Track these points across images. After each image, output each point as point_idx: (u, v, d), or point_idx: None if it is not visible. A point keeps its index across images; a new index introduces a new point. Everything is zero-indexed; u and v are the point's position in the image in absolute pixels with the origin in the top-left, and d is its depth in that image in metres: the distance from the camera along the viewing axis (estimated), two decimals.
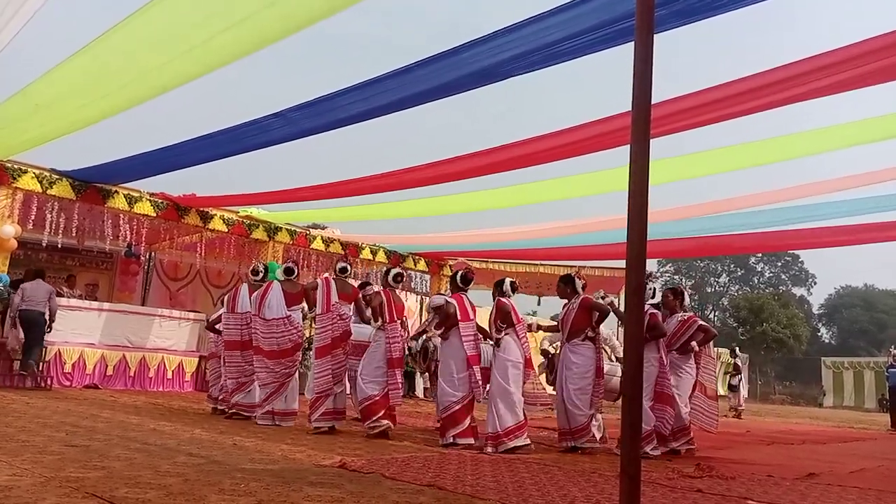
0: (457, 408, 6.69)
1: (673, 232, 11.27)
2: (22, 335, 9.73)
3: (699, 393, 7.18)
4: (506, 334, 6.73)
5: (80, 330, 11.19)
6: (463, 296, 7.06)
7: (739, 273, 62.24)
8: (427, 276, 16.71)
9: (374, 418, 6.90)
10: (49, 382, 10.04)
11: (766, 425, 14.22)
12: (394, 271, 7.59)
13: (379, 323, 7.17)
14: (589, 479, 5.02)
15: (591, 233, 11.69)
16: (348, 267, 8.05)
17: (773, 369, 43.08)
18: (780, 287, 58.57)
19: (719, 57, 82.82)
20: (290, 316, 7.90)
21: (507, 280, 7.11)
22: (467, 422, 6.66)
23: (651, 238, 2.89)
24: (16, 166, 9.81)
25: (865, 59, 5.59)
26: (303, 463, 4.88)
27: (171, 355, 11.97)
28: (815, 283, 60.45)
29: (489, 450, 6.33)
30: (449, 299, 7.05)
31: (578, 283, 6.97)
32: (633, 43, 2.81)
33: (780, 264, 60.69)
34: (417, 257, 15.80)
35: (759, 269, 62.02)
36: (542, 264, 15.81)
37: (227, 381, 8.31)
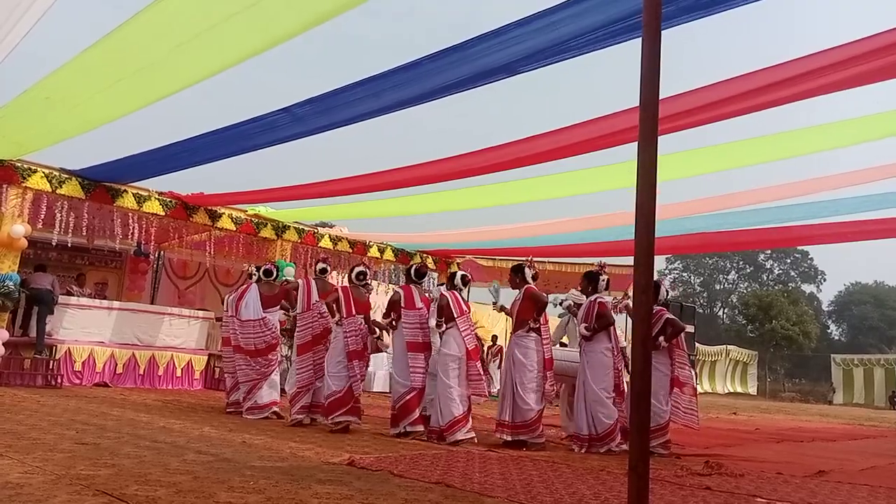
0: (408, 397, 6.85)
1: (681, 228, 11.22)
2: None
3: (676, 390, 6.90)
4: (448, 328, 6.84)
5: (90, 328, 11.26)
6: (413, 287, 7.21)
7: (748, 270, 62.03)
8: (435, 274, 16.71)
9: (337, 414, 7.06)
10: (59, 380, 10.11)
11: (776, 423, 14.16)
12: (357, 269, 7.76)
13: (336, 318, 7.34)
14: (597, 476, 5.01)
15: (600, 229, 11.66)
16: (328, 267, 8.39)
17: (783, 366, 42.95)
18: (790, 284, 58.31)
19: (724, 52, 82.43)
20: (265, 318, 8.24)
21: (459, 274, 7.27)
22: (418, 411, 6.84)
23: (659, 235, 2.88)
24: (25, 166, 9.85)
25: (872, 56, 5.55)
26: (311, 461, 4.90)
27: (181, 353, 12.02)
28: (825, 280, 60.23)
29: (435, 442, 6.55)
30: (397, 289, 7.30)
31: (528, 273, 6.98)
32: (640, 39, 2.80)
33: (789, 261, 60.44)
34: (425, 255, 15.80)
35: (769, 266, 61.77)
36: (549, 261, 15.78)
37: (226, 377, 8.64)
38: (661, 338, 6.74)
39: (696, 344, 20.10)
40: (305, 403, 7.52)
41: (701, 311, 52.76)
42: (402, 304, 7.06)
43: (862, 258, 65.63)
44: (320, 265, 8.39)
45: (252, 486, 3.72)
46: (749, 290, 58.57)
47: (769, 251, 58.21)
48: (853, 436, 11.51)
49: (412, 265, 7.68)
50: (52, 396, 8.50)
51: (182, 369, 11.95)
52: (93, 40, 6.03)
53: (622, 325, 9.18)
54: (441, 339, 6.95)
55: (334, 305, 7.36)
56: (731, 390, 33.57)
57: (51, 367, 10.19)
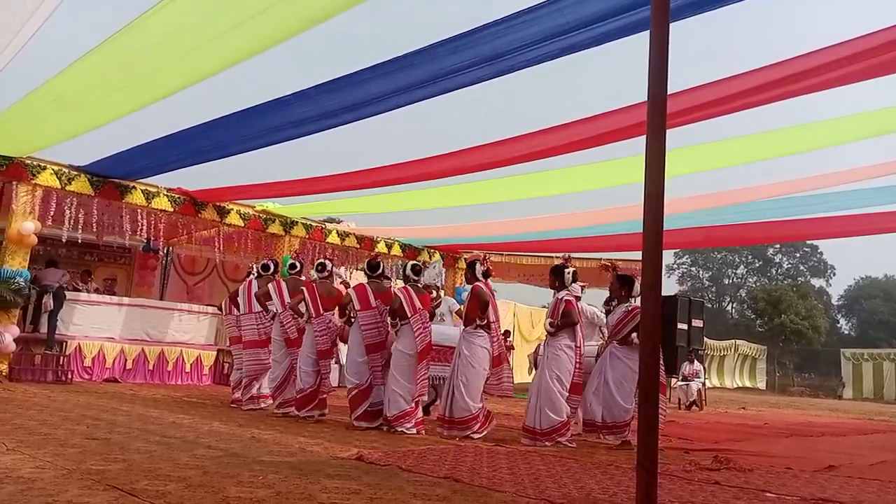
0: (354, 393, 7.00)
1: (689, 222, 11.17)
2: (50, 304, 10.50)
3: None
4: (403, 325, 6.91)
5: (99, 324, 11.32)
6: (366, 285, 7.27)
7: (757, 264, 61.72)
8: (442, 270, 16.71)
9: (307, 409, 7.40)
10: (70, 376, 10.17)
11: (785, 417, 14.12)
12: (318, 262, 8.06)
13: (304, 318, 7.58)
14: (606, 471, 5.01)
15: (610, 223, 11.62)
16: (297, 264, 8.68)
17: (792, 361, 42.73)
18: (799, 278, 57.99)
19: (731, 48, 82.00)
20: (262, 312, 8.60)
21: (409, 264, 7.31)
22: (363, 407, 6.95)
23: (667, 228, 2.88)
24: (35, 163, 9.90)
25: (882, 49, 5.51)
26: (320, 455, 4.92)
27: (190, 349, 12.08)
28: (835, 275, 59.79)
29: (385, 428, 6.72)
30: (350, 290, 7.40)
31: (478, 270, 7.02)
32: (647, 33, 2.79)
33: (798, 255, 60.08)
34: (432, 250, 15.81)
35: (778, 261, 61.44)
36: (556, 256, 15.75)
37: (234, 373, 8.95)
38: (634, 334, 6.69)
39: (705, 339, 20.02)
40: (286, 398, 7.87)
41: (710, 305, 52.57)
42: (357, 306, 7.11)
43: (872, 252, 65.32)
44: (290, 261, 8.71)
45: (261, 481, 3.73)
46: (758, 284, 58.28)
47: (778, 245, 57.89)
48: (863, 430, 11.46)
49: (367, 261, 7.72)
50: (62, 392, 8.56)
51: (191, 365, 12.02)
52: (93, 41, 6.06)
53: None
54: (396, 335, 7.01)
55: (300, 306, 7.61)
56: (740, 385, 33.41)
57: (61, 362, 10.26)
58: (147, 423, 6.08)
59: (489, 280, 7.13)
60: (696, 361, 14.90)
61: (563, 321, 6.64)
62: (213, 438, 5.38)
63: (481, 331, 6.78)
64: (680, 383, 14.86)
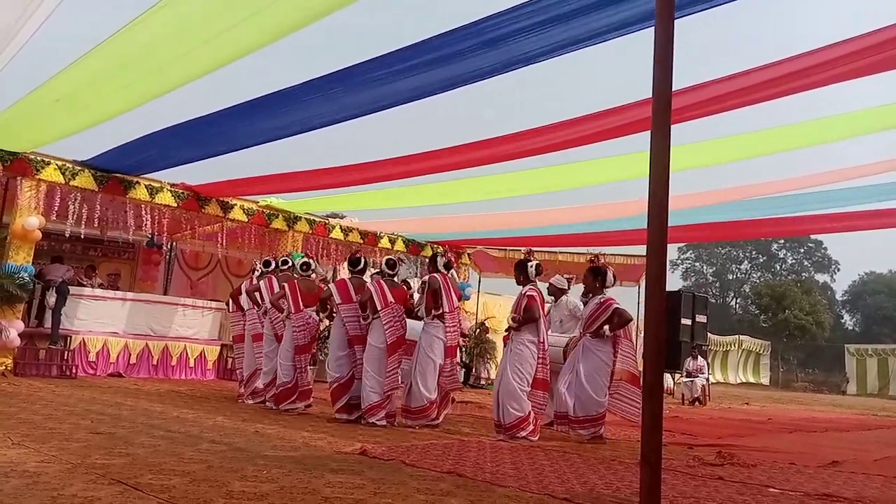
0: (336, 385, 7.10)
1: (694, 218, 11.15)
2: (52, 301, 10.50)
3: (623, 381, 6.51)
4: (374, 318, 6.96)
5: (103, 319, 11.34)
6: (347, 280, 7.34)
7: (761, 260, 61.61)
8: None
9: (286, 402, 7.60)
10: (74, 371, 10.21)
11: (789, 413, 14.11)
12: (301, 261, 8.20)
13: (285, 313, 7.72)
14: (609, 466, 5.02)
15: (614, 219, 11.60)
16: (271, 261, 8.86)
17: (796, 357, 42.69)
18: (803, 274, 57.87)
19: (734, 42, 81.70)
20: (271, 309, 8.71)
21: (385, 259, 7.40)
22: (343, 399, 7.04)
23: (671, 224, 2.87)
24: (39, 158, 9.91)
25: (886, 45, 5.48)
26: (324, 450, 4.93)
27: (194, 344, 12.10)
28: (839, 270, 59.63)
29: (362, 422, 6.80)
30: (330, 285, 7.53)
31: (440, 262, 7.06)
32: (652, 28, 2.78)
33: (802, 251, 59.96)
34: (436, 245, 15.80)
35: (782, 256, 61.32)
36: (560, 251, 15.74)
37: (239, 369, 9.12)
38: (606, 327, 6.61)
39: (709, 334, 20.03)
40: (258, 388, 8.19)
41: (713, 300, 52.41)
42: (338, 300, 7.17)
43: (876, 247, 65.06)
44: (264, 259, 8.96)
45: (265, 476, 3.74)
46: (762, 279, 58.19)
47: (782, 241, 57.77)
48: (867, 426, 11.45)
49: (349, 256, 7.74)
50: (66, 387, 8.59)
51: (195, 359, 12.04)
52: (95, 39, 6.06)
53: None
54: (368, 328, 7.06)
55: (282, 301, 7.73)
56: (744, 380, 33.42)
57: (65, 357, 10.29)
58: (151, 417, 6.10)
59: (449, 272, 7.17)
60: (699, 357, 14.89)
61: (525, 316, 6.58)
62: (216, 433, 5.39)
63: (437, 321, 6.86)
64: (684, 379, 14.85)
